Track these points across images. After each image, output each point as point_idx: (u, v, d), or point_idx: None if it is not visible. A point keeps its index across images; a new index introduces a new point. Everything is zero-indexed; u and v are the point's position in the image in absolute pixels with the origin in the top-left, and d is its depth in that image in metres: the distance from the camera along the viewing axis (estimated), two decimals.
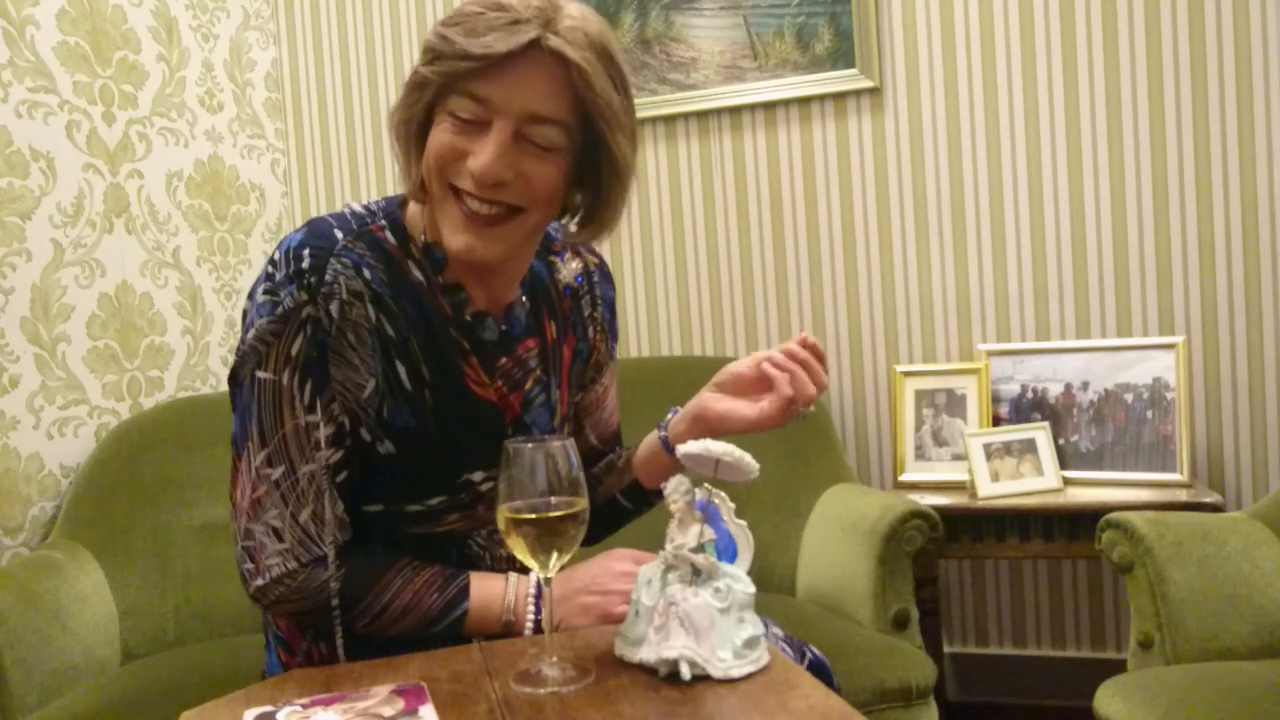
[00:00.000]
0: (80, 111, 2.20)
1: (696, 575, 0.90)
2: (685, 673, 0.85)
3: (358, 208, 1.10)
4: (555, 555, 0.89)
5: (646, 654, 0.88)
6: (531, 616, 1.05)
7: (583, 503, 0.89)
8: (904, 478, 2.29)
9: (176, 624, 2.03)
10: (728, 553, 0.99)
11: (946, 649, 2.44)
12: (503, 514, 0.88)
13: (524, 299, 1.16)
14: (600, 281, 1.26)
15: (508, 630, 1.05)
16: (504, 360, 1.13)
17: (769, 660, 0.89)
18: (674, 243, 2.60)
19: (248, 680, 1.06)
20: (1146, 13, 2.25)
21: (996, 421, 2.26)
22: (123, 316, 2.28)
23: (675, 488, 0.93)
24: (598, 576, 1.07)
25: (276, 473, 1.02)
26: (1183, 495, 2.01)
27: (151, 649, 1.99)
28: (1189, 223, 2.26)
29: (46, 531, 2.08)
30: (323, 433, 1.03)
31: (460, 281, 1.10)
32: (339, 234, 1.05)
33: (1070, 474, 2.17)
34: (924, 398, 2.32)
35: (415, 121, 1.04)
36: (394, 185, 2.75)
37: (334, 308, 1.02)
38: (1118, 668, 1.64)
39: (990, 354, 2.31)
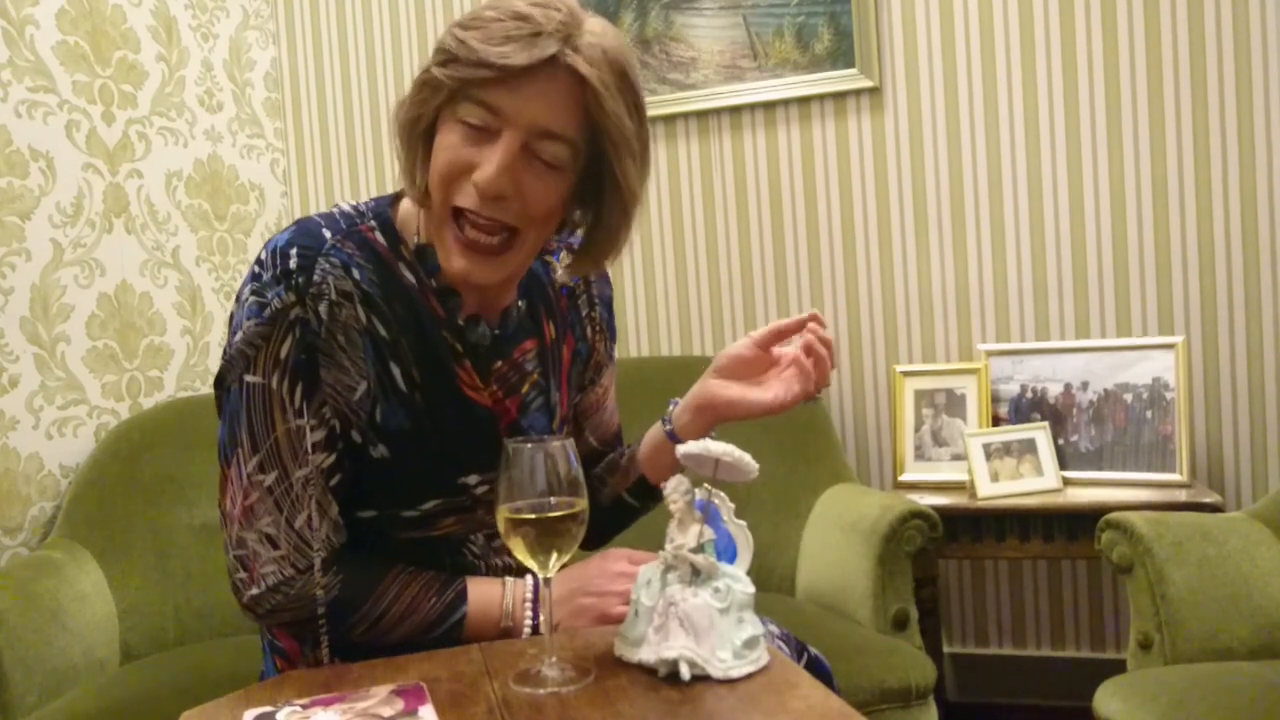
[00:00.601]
0: (80, 111, 2.20)
1: (696, 575, 0.90)
2: (685, 673, 0.85)
3: (346, 207, 1.08)
4: (555, 555, 0.89)
5: (646, 654, 0.88)
6: (529, 620, 1.04)
7: (583, 503, 0.89)
8: (903, 478, 2.29)
9: (176, 624, 2.03)
10: (727, 553, 0.99)
11: (946, 649, 2.44)
12: (502, 514, 0.88)
13: (520, 302, 1.14)
14: (597, 281, 1.24)
15: (505, 635, 1.04)
16: (500, 364, 1.11)
17: (768, 660, 0.89)
18: (674, 242, 2.60)
19: (248, 680, 1.06)
20: (1146, 13, 2.25)
21: (996, 421, 2.26)
22: (122, 316, 2.28)
23: (675, 488, 0.93)
24: (594, 578, 1.06)
25: (269, 479, 1.01)
26: (1182, 495, 2.01)
27: (151, 649, 1.99)
28: (1188, 222, 2.26)
29: (46, 531, 2.08)
30: (314, 436, 1.01)
31: (454, 285, 1.08)
32: (327, 233, 1.03)
33: (1070, 474, 2.17)
34: (924, 398, 2.32)
35: (423, 122, 1.02)
36: (394, 185, 2.74)
37: (323, 309, 1.00)
38: (1117, 668, 1.64)
39: (990, 354, 2.31)
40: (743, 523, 1.02)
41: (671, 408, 1.19)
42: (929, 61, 2.40)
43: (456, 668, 0.93)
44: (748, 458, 0.95)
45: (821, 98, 2.46)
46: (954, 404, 2.29)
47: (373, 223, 1.06)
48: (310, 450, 1.01)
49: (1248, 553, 1.64)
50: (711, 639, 0.87)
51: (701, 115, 2.54)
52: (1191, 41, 2.23)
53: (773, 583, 2.09)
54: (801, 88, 2.45)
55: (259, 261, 1.01)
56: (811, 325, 1.09)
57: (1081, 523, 2.01)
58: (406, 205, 1.09)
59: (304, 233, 1.02)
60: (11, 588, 1.76)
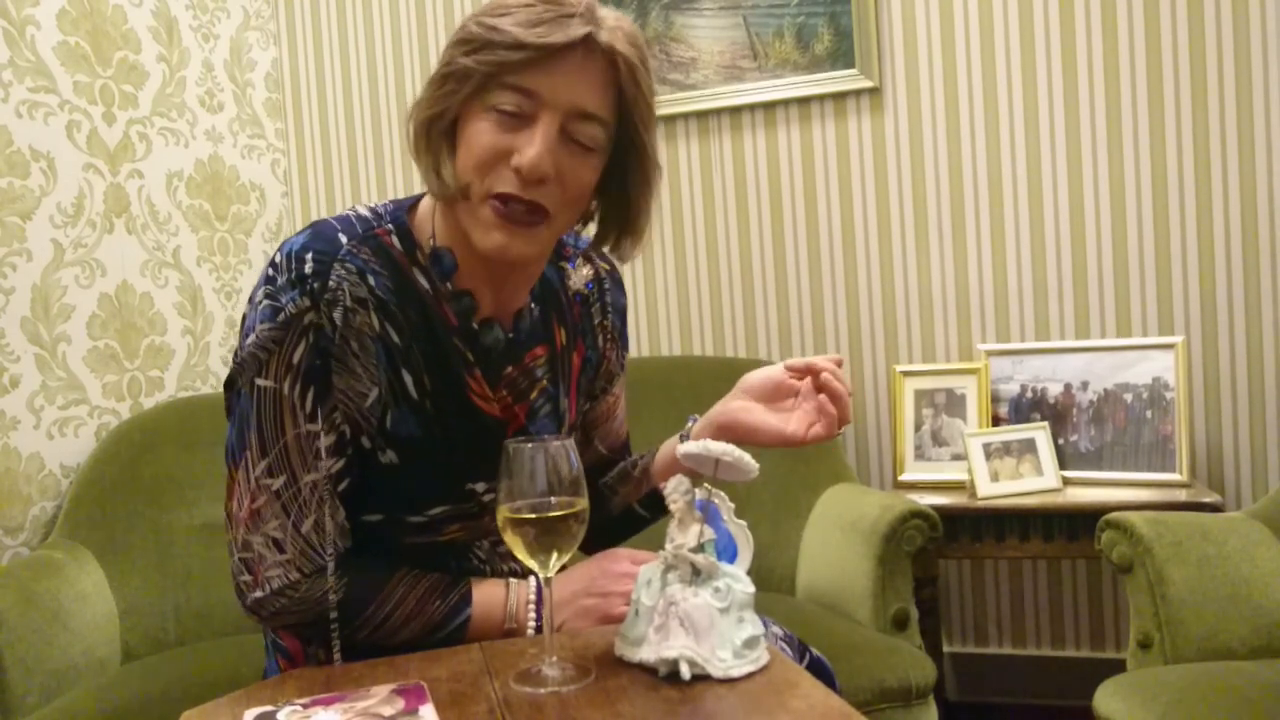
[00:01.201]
0: (80, 111, 2.20)
1: (696, 575, 0.90)
2: (685, 672, 0.85)
3: (364, 211, 1.07)
4: (555, 555, 0.89)
5: (646, 654, 0.88)
6: (533, 621, 1.04)
7: (583, 502, 0.89)
8: (903, 477, 2.29)
9: (176, 624, 2.03)
10: (727, 552, 0.99)
11: (946, 649, 2.44)
12: (503, 513, 0.88)
13: (533, 305, 1.14)
14: (611, 289, 1.23)
15: (509, 636, 1.04)
16: (510, 369, 1.11)
17: (769, 660, 0.90)
18: (674, 242, 2.60)
19: (248, 680, 1.06)
20: (1146, 13, 2.25)
21: (996, 421, 2.26)
22: (123, 316, 2.28)
23: (675, 488, 0.93)
24: (597, 578, 1.06)
25: (277, 483, 1.00)
26: (1182, 495, 2.01)
27: (151, 649, 1.99)
28: (1188, 222, 2.26)
29: (47, 531, 2.08)
30: (324, 442, 1.00)
31: (469, 288, 1.07)
32: (343, 238, 1.02)
33: (1070, 474, 2.18)
34: (923, 397, 2.32)
35: (447, 117, 1.00)
36: (394, 185, 2.75)
37: (337, 315, 0.99)
38: (1117, 667, 1.64)
39: (990, 354, 2.31)
40: (743, 522, 1.02)
41: (691, 424, 1.18)
42: (929, 62, 2.40)
43: (457, 667, 0.93)
44: (748, 458, 0.95)
45: (821, 98, 2.47)
46: (954, 404, 2.29)
47: (390, 227, 1.05)
48: (320, 455, 1.01)
49: (1247, 552, 1.64)
50: (712, 639, 0.87)
51: (701, 115, 2.54)
52: (1191, 41, 2.23)
53: (773, 582, 2.09)
54: (801, 88, 2.45)
55: (273, 264, 1.01)
56: (835, 370, 1.09)
57: (1081, 522, 2.01)
58: (423, 210, 1.08)
59: (320, 237, 1.01)
60: (12, 588, 1.76)
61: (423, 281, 1.05)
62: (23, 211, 2.06)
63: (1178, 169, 2.25)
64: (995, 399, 2.28)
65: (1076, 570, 2.40)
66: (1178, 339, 2.15)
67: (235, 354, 1.02)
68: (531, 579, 1.07)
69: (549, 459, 0.88)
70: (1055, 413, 2.23)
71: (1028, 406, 2.26)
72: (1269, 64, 2.18)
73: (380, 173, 2.78)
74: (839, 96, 2.45)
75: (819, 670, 1.14)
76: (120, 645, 1.96)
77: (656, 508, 1.22)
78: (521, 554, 0.89)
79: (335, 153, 2.82)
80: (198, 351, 2.49)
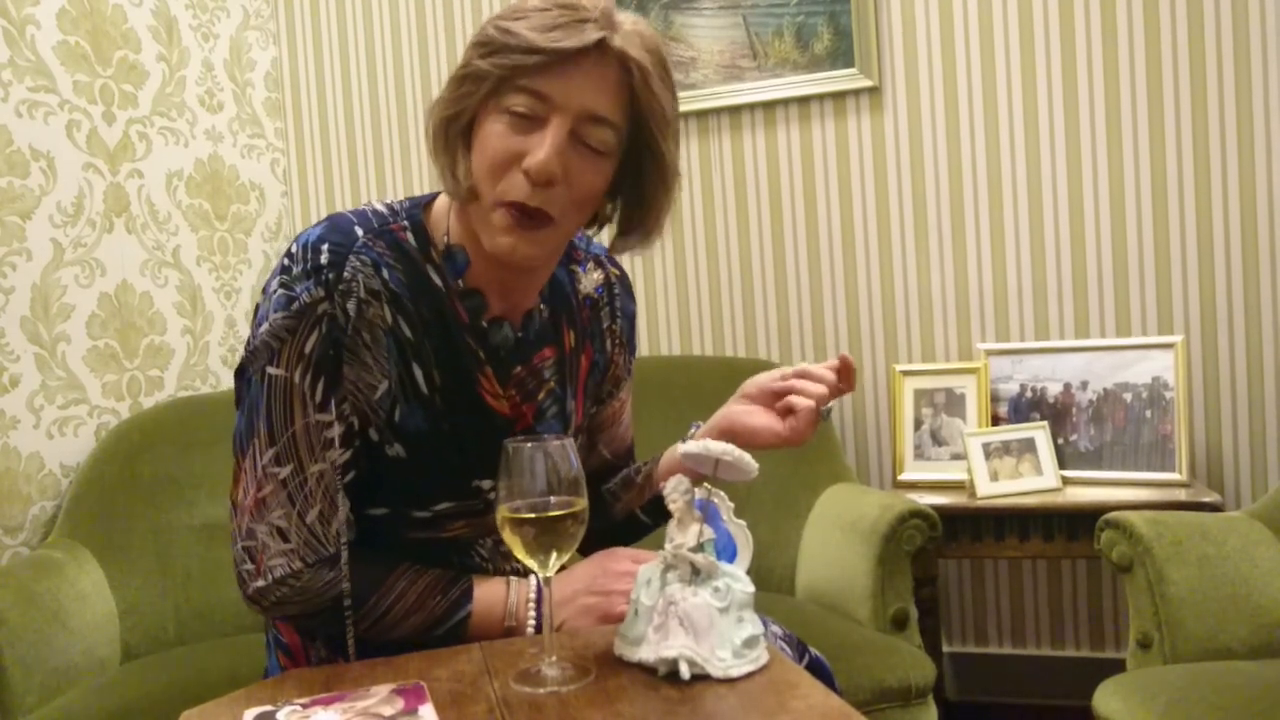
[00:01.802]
0: (80, 111, 2.20)
1: (696, 575, 0.90)
2: (684, 672, 0.85)
3: (380, 206, 1.08)
4: (554, 555, 0.89)
5: (646, 653, 0.88)
6: (533, 620, 1.04)
7: (582, 502, 0.89)
8: (903, 477, 2.29)
9: (176, 624, 2.03)
10: (727, 552, 0.99)
11: (945, 648, 2.44)
12: (502, 513, 0.88)
13: (542, 307, 1.14)
14: (621, 294, 1.24)
15: (509, 635, 1.05)
16: (519, 369, 1.11)
17: (768, 660, 0.90)
18: (673, 242, 2.60)
19: (248, 680, 1.06)
20: (1146, 13, 2.25)
21: (995, 421, 2.26)
22: (123, 316, 2.28)
23: (675, 487, 0.93)
24: (597, 577, 1.06)
25: (284, 471, 1.01)
26: (1182, 495, 2.01)
27: (151, 649, 1.99)
28: (1188, 222, 2.26)
29: (46, 531, 2.08)
30: (333, 432, 1.01)
31: (479, 287, 1.08)
32: (359, 231, 1.03)
33: (1069, 473, 2.18)
34: (923, 397, 2.32)
35: (463, 118, 1.02)
36: (393, 184, 2.75)
37: (351, 306, 1.00)
38: (1117, 667, 1.64)
39: (989, 353, 2.31)
40: (742, 522, 1.01)
41: (694, 430, 1.19)
42: (929, 61, 2.40)
43: (457, 667, 0.93)
44: (748, 457, 0.95)
45: (821, 97, 2.47)
46: (953, 403, 2.29)
47: (405, 222, 1.07)
48: (328, 446, 1.01)
49: (1247, 552, 1.64)
50: (711, 638, 0.87)
51: (701, 115, 2.54)
52: (1191, 41, 2.23)
53: (773, 582, 2.09)
54: (801, 88, 2.45)
55: (289, 254, 1.02)
56: (822, 374, 1.11)
57: (1081, 522, 2.01)
58: (438, 207, 1.10)
59: (336, 229, 1.03)
60: (12, 587, 1.76)
61: (436, 278, 1.06)
62: (22, 211, 2.06)
63: (1177, 168, 2.25)
64: (995, 399, 2.28)
65: (1076, 570, 2.40)
66: (1177, 338, 2.15)
67: (247, 342, 1.03)
68: (532, 578, 1.07)
69: (548, 459, 0.88)
70: (1055, 412, 2.23)
71: (1027, 406, 2.26)
72: (1269, 64, 2.18)
73: (380, 172, 2.78)
74: (838, 96, 2.45)
75: (818, 670, 1.14)
76: (120, 645, 1.96)
77: (659, 514, 1.23)
78: (520, 554, 0.89)
79: (335, 152, 2.82)
80: (197, 351, 2.49)
